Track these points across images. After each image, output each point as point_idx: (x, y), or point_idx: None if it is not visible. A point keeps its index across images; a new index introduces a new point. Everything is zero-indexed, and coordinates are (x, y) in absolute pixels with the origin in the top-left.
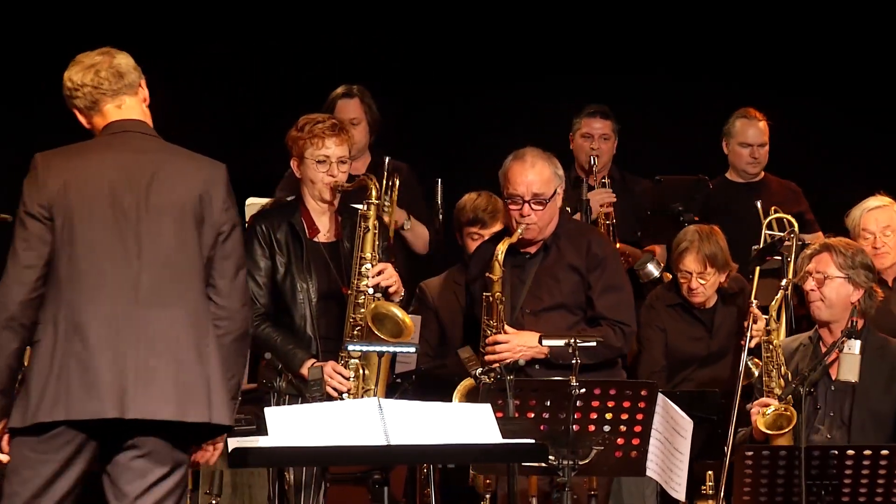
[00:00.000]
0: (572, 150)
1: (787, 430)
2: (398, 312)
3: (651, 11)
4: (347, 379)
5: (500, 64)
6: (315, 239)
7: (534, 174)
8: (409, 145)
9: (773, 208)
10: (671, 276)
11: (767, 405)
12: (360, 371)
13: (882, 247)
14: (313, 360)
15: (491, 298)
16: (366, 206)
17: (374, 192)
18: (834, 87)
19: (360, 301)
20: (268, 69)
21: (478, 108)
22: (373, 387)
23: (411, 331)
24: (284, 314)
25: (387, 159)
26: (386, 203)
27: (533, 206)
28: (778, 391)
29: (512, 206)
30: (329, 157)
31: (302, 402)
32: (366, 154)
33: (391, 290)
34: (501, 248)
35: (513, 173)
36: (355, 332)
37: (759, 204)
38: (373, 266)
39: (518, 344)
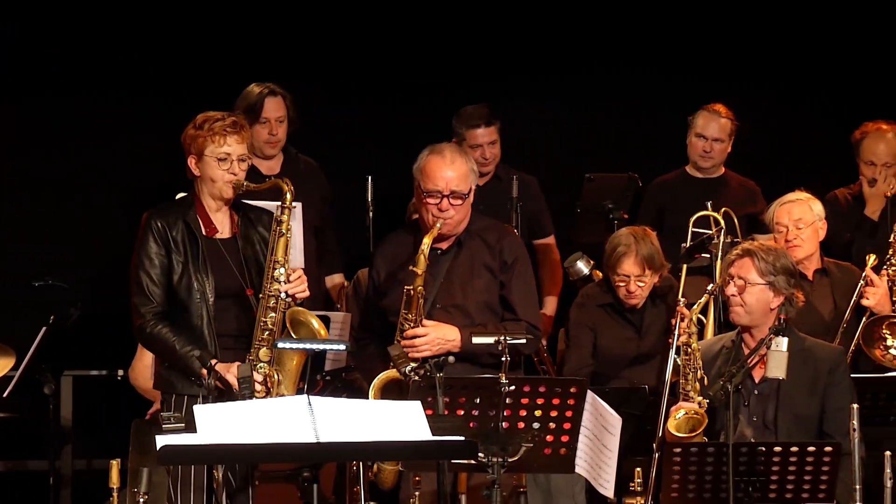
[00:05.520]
0: None
1: (698, 432)
2: (315, 323)
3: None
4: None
5: (443, 63)
6: (213, 237)
7: (453, 170)
8: (341, 143)
9: (723, 209)
10: (602, 275)
11: (680, 409)
12: (275, 377)
13: (794, 239)
14: (215, 361)
15: (412, 292)
16: (280, 210)
17: (289, 197)
18: (800, 85)
19: (271, 304)
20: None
21: (411, 107)
22: (285, 392)
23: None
24: (181, 313)
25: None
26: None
27: (452, 201)
28: (693, 394)
29: (429, 201)
30: (230, 155)
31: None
32: (280, 153)
33: (299, 296)
34: (427, 242)
35: (431, 168)
36: (265, 336)
37: (709, 204)
38: (285, 271)
39: (437, 337)
